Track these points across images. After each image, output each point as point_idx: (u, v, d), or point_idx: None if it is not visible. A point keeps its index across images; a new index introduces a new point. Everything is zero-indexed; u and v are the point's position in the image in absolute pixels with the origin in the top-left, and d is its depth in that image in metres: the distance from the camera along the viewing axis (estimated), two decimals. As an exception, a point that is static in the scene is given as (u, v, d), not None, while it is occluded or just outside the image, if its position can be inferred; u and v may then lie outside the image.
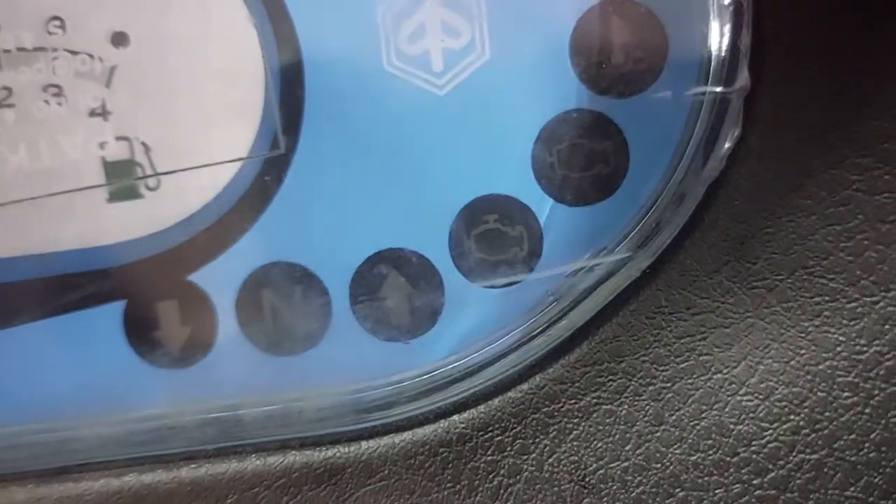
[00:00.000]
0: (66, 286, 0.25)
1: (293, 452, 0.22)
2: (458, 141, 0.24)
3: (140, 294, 0.25)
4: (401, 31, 0.24)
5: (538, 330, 0.23)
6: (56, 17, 0.24)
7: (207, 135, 0.24)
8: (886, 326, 0.21)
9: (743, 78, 0.22)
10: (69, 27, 0.24)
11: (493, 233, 0.25)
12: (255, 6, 0.23)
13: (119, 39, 0.24)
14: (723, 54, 0.22)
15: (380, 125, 0.24)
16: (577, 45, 0.24)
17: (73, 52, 0.24)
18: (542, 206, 0.25)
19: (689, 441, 0.21)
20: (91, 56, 0.24)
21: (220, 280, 0.25)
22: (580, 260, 0.24)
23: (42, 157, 0.24)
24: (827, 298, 0.21)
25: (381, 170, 0.24)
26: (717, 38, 0.22)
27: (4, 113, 0.24)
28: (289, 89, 0.24)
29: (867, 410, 0.21)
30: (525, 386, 0.23)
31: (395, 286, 0.25)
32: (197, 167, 0.24)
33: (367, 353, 0.25)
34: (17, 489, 0.23)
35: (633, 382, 0.22)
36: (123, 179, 0.24)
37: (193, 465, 0.22)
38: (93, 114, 0.24)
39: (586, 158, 0.24)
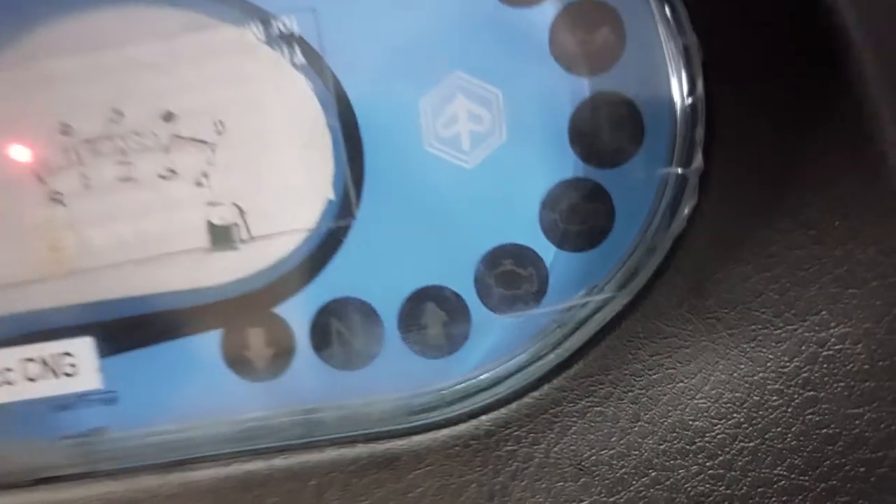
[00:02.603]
0: (177, 318, 0.30)
1: (360, 445, 0.28)
2: (482, 202, 0.30)
3: (234, 323, 0.30)
4: (438, 119, 0.29)
5: (546, 351, 0.28)
6: (170, 112, 0.29)
7: (289, 199, 0.29)
8: (803, 347, 0.26)
9: (698, 160, 0.27)
10: (181, 118, 0.29)
11: (509, 273, 0.30)
12: (327, 101, 0.29)
13: (219, 127, 0.29)
14: (684, 142, 0.28)
15: (422, 190, 0.29)
16: (574, 128, 0.29)
17: (182, 138, 0.29)
18: (548, 252, 0.30)
19: (659, 434, 0.27)
20: (197, 140, 0.29)
21: (298, 311, 0.30)
22: (577, 297, 0.29)
23: (160, 219, 0.30)
24: (760, 326, 0.26)
25: (423, 225, 0.30)
26: (681, 129, 0.28)
27: (131, 186, 0.29)
28: (352, 164, 0.29)
29: (789, 410, 0.26)
30: (536, 393, 0.27)
31: (433, 315, 0.30)
32: (282, 234, 0.29)
33: (412, 368, 0.30)
34: (146, 477, 0.28)
35: (617, 390, 0.27)
36: (223, 240, 0.29)
37: (284, 457, 0.28)
38: (198, 184, 0.29)
39: (582, 216, 0.29)
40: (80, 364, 0.29)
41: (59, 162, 0.29)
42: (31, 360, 0.29)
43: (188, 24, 0.28)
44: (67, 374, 0.29)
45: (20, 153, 0.29)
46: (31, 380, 0.29)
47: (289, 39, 0.28)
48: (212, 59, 0.28)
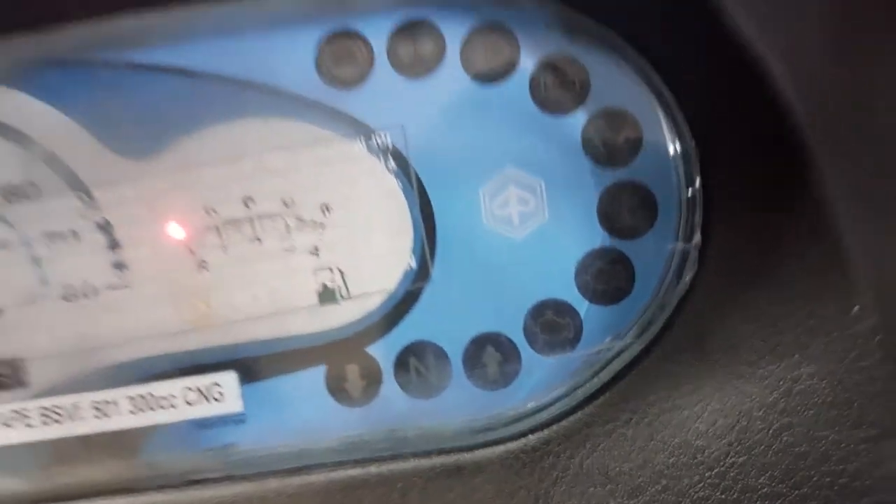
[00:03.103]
0: (292, 357, 0.37)
1: (434, 457, 0.33)
2: (528, 265, 0.35)
3: (335, 361, 0.36)
4: (494, 202, 0.35)
5: (580, 385, 0.34)
6: (291, 200, 0.36)
7: (378, 266, 0.36)
8: (780, 383, 0.31)
9: (697, 238, 0.33)
10: (298, 205, 0.36)
11: (551, 322, 0.36)
12: (410, 194, 0.35)
13: (326, 208, 0.36)
14: (687, 223, 0.34)
15: (481, 257, 0.35)
16: (601, 209, 0.35)
17: (299, 220, 0.36)
18: (582, 306, 0.35)
19: (669, 450, 0.32)
20: (310, 221, 0.36)
21: (385, 351, 0.36)
22: (604, 343, 0.35)
23: (282, 282, 0.37)
24: (747, 367, 0.31)
25: (482, 283, 0.35)
26: (685, 212, 0.34)
27: (260, 256, 0.36)
28: (428, 238, 0.36)
29: (770, 432, 0.31)
30: (572, 418, 0.33)
31: (491, 356, 0.36)
32: (374, 292, 0.36)
33: (474, 398, 0.36)
34: (273, 480, 0.34)
35: (635, 416, 0.32)
36: (329, 298, 0.37)
37: (376, 465, 0.34)
38: (311, 253, 0.36)
39: (608, 277, 0.35)
40: (227, 392, 0.37)
41: (206, 238, 0.36)
42: (189, 389, 0.37)
43: (308, 135, 0.35)
44: (217, 400, 0.37)
45: (176, 231, 0.37)
46: (190, 404, 0.37)
47: (384, 149, 0.35)
48: (325, 165, 0.35)
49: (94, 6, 0.33)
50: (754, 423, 0.31)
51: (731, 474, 0.32)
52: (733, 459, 0.32)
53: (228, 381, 0.36)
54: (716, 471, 0.32)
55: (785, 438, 0.31)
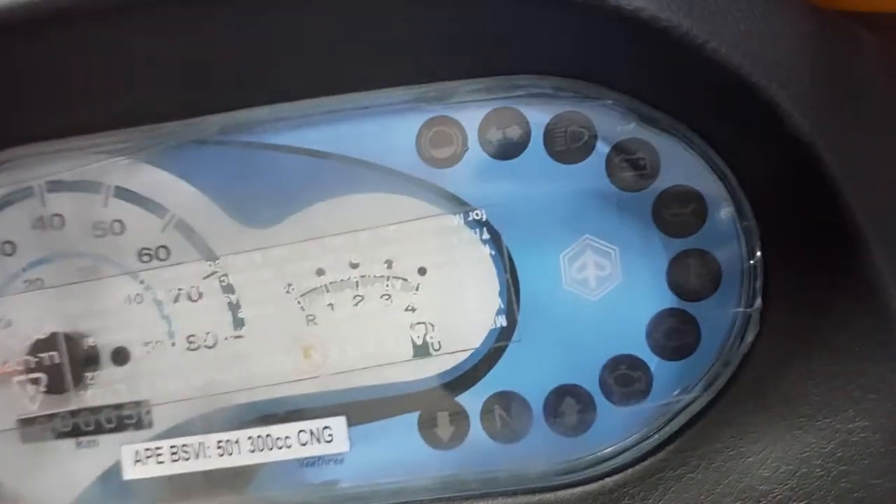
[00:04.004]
0: (388, 403, 0.40)
1: (520, 496, 0.36)
2: (604, 324, 0.38)
3: (427, 407, 0.39)
4: (573, 267, 0.38)
5: (652, 433, 0.37)
6: (389, 259, 0.40)
7: (467, 323, 0.40)
8: (836, 434, 0.33)
9: (758, 303, 0.36)
10: (395, 265, 0.40)
11: (624, 376, 0.39)
12: (499, 261, 0.39)
13: (422, 270, 0.40)
14: (749, 288, 0.37)
15: (561, 316, 0.38)
16: (670, 274, 0.38)
17: (398, 278, 0.41)
18: (652, 361, 0.38)
19: (734, 495, 0.34)
20: (406, 280, 0.41)
21: (472, 400, 0.39)
22: (673, 395, 0.39)
23: (380, 335, 0.41)
24: (806, 419, 0.34)
25: (561, 340, 0.38)
26: (747, 279, 0.37)
27: (362, 312, 0.40)
28: (512, 299, 0.40)
29: (828, 479, 0.33)
30: (645, 463, 0.35)
31: (569, 406, 0.39)
32: (462, 350, 0.40)
33: (553, 444, 0.38)
34: None
35: (703, 462, 0.35)
36: (422, 351, 0.41)
37: (467, 502, 0.38)
38: (407, 309, 0.41)
39: (676, 335, 0.38)
40: (336, 434, 0.41)
41: (316, 296, 0.40)
42: (303, 431, 0.41)
43: (410, 208, 0.39)
44: (327, 441, 0.41)
45: (291, 291, 0.41)
46: (303, 444, 0.41)
47: (480, 222, 0.39)
48: (426, 234, 0.39)
49: (233, 99, 0.39)
50: (814, 470, 0.34)
51: None
52: (795, 503, 0.35)
53: (338, 425, 0.40)
54: None
55: (843, 485, 0.33)
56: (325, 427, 0.40)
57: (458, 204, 0.39)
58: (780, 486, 0.35)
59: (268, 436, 0.40)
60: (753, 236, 0.37)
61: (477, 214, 0.39)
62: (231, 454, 0.40)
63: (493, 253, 0.39)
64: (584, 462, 0.38)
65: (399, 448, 0.40)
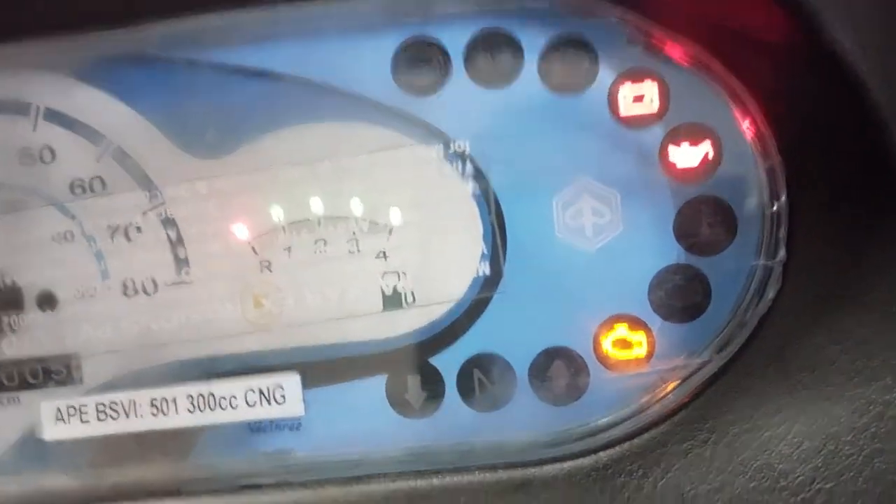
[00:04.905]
0: (352, 364, 0.36)
1: (501, 471, 0.33)
2: (601, 280, 0.35)
3: (397, 369, 0.36)
4: (567, 213, 0.35)
5: (654, 402, 0.34)
6: (356, 196, 0.35)
7: (446, 273, 0.35)
8: (870, 406, 0.30)
9: (781, 254, 0.32)
10: (364, 204, 0.36)
11: (621, 338, 0.35)
12: (482, 201, 0.35)
13: (394, 211, 0.35)
14: (770, 239, 0.33)
15: (552, 268, 0.35)
16: (678, 224, 0.34)
17: (367, 219, 0.36)
18: (654, 322, 0.35)
19: (749, 474, 0.31)
20: (375, 221, 0.36)
21: (448, 362, 0.36)
22: (679, 360, 0.35)
23: (345, 286, 0.36)
24: (835, 388, 0.31)
25: (552, 296, 0.35)
26: (768, 228, 0.33)
27: (325, 259, 0.36)
28: (497, 246, 0.35)
29: (860, 458, 0.30)
30: (646, 436, 0.32)
31: (558, 370, 0.36)
32: (440, 300, 0.35)
33: (539, 413, 0.35)
34: (332, 488, 0.34)
35: (713, 436, 0.32)
36: (393, 304, 0.36)
37: (440, 477, 0.33)
38: (376, 256, 0.36)
39: (683, 295, 0.35)
40: (289, 394, 0.36)
41: (272, 239, 0.36)
42: (251, 389, 0.36)
43: (383, 140, 0.35)
44: (278, 402, 0.36)
45: (242, 231, 0.37)
46: (250, 405, 0.36)
47: (462, 156, 0.35)
48: (400, 169, 0.35)
49: (175, 3, 0.33)
50: (843, 448, 0.31)
51: (818, 502, 0.31)
52: (820, 485, 0.31)
53: (291, 383, 0.36)
54: (801, 497, 0.31)
55: (877, 465, 0.31)
56: (277, 385, 0.35)
57: (439, 136, 0.35)
58: (803, 466, 0.31)
59: (210, 394, 0.35)
60: (778, 178, 0.33)
61: (459, 146, 0.35)
62: (167, 414, 0.36)
63: (477, 192, 0.35)
64: (574, 434, 0.35)
65: (363, 415, 0.36)
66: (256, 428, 0.36)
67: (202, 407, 0.36)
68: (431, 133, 0.35)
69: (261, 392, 0.36)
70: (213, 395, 0.36)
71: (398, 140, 0.35)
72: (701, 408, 0.33)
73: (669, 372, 0.35)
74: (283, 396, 0.36)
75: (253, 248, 0.36)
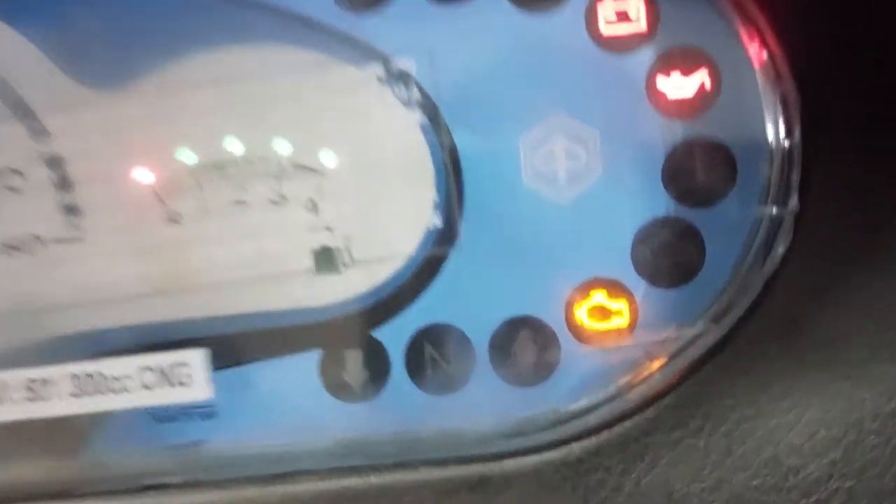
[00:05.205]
0: (279, 337, 0.32)
1: (452, 466, 0.29)
2: (575, 236, 0.31)
3: (333, 345, 0.32)
4: (536, 156, 0.31)
5: (637, 382, 0.30)
6: (280, 133, 0.31)
7: (392, 226, 0.31)
8: None
9: (793, 203, 0.28)
10: (294, 148, 0.31)
11: (600, 306, 0.31)
12: (433, 137, 0.31)
13: (326, 150, 0.31)
14: (779, 184, 0.29)
15: (518, 224, 0.31)
16: (667, 169, 0.30)
17: (294, 166, 0.31)
18: (638, 287, 0.31)
19: (752, 470, 0.27)
20: (308, 168, 0.31)
21: (395, 335, 0.32)
22: (667, 331, 0.30)
23: (269, 242, 0.31)
24: (857, 366, 0.27)
25: (518, 256, 0.31)
26: (776, 172, 0.29)
27: (244, 209, 0.31)
28: (453, 196, 0.31)
29: (887, 451, 0.26)
30: (628, 423, 0.29)
31: (524, 344, 0.31)
32: (384, 258, 0.31)
33: (502, 395, 0.31)
34: (249, 488, 0.29)
35: (709, 423, 0.28)
36: (327, 264, 0.31)
37: (379, 474, 0.29)
38: (307, 208, 0.31)
39: (673, 253, 0.30)
40: (194, 375, 0.31)
41: (180, 184, 0.31)
42: (148, 368, 0.31)
43: (314, 63, 0.31)
44: (181, 384, 0.31)
45: (144, 175, 0.32)
46: (147, 388, 0.31)
47: (405, 79, 0.30)
48: (331, 95, 0.31)
49: None
50: (866, 438, 0.27)
51: (836, 503, 0.27)
52: (838, 484, 0.27)
53: (196, 360, 0.31)
54: (815, 498, 0.27)
55: None
56: (179, 364, 0.30)
57: (379, 57, 0.31)
58: (818, 460, 0.27)
59: (98, 374, 0.30)
60: (791, 110, 0.29)
61: (400, 67, 0.31)
62: (46, 399, 0.31)
63: (427, 127, 0.31)
64: (542, 421, 0.31)
65: (291, 399, 0.32)
66: (162, 416, 0.32)
67: (89, 390, 0.31)
68: (374, 56, 0.31)
69: (160, 372, 0.30)
70: (102, 375, 0.31)
71: (330, 63, 0.31)
72: (693, 390, 0.29)
73: (656, 346, 0.30)
74: (188, 376, 0.30)
75: (157, 196, 0.32)
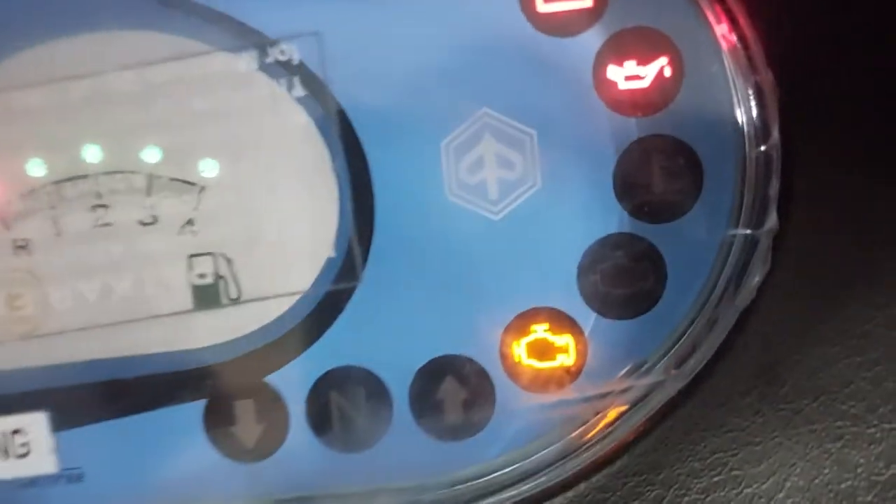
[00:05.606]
0: (154, 386, 0.28)
1: None
2: (511, 259, 0.28)
3: (220, 393, 0.28)
4: (461, 164, 0.27)
5: (584, 441, 0.26)
6: (146, 137, 0.27)
7: (285, 253, 0.27)
8: None
9: (772, 220, 0.25)
10: (164, 157, 0.27)
11: (541, 343, 0.27)
12: (333, 141, 0.27)
13: (205, 160, 0.27)
14: (754, 197, 0.26)
15: (441, 246, 0.28)
16: (620, 176, 0.27)
17: (165, 179, 0.27)
18: (587, 319, 0.27)
19: None
20: (181, 181, 0.27)
21: (293, 382, 0.28)
22: (620, 375, 0.27)
23: (137, 273, 0.27)
24: (849, 423, 0.24)
25: (441, 285, 0.28)
26: (751, 182, 0.26)
27: (106, 233, 0.27)
28: (360, 215, 0.27)
29: None
30: (570, 493, 0.26)
31: (451, 391, 0.28)
32: (277, 294, 0.27)
33: (424, 451, 0.28)
34: None
35: (669, 493, 0.25)
36: (208, 299, 0.27)
37: None
38: (182, 229, 0.27)
39: (627, 277, 0.27)
40: (33, 443, 0.27)
41: (27, 205, 0.27)
42: None
43: (172, 51, 0.27)
44: (20, 456, 0.27)
45: None
46: None
47: (289, 68, 0.27)
48: (198, 91, 0.27)
49: None
50: None
51: None
52: None
53: (35, 427, 0.27)
54: None
55: None
56: (14, 431, 0.27)
57: (252, 38, 0.27)
58: None
59: None
60: (767, 106, 0.26)
61: (283, 52, 0.27)
62: None
63: (322, 127, 0.27)
64: (467, 490, 0.28)
65: (174, 458, 0.28)
66: (26, 483, 0.28)
67: None
68: (256, 41, 0.27)
69: (-7, 440, 0.26)
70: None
71: (191, 48, 0.27)
72: (652, 451, 0.26)
73: (606, 396, 0.27)
74: (25, 446, 0.27)
75: (3, 221, 0.28)
